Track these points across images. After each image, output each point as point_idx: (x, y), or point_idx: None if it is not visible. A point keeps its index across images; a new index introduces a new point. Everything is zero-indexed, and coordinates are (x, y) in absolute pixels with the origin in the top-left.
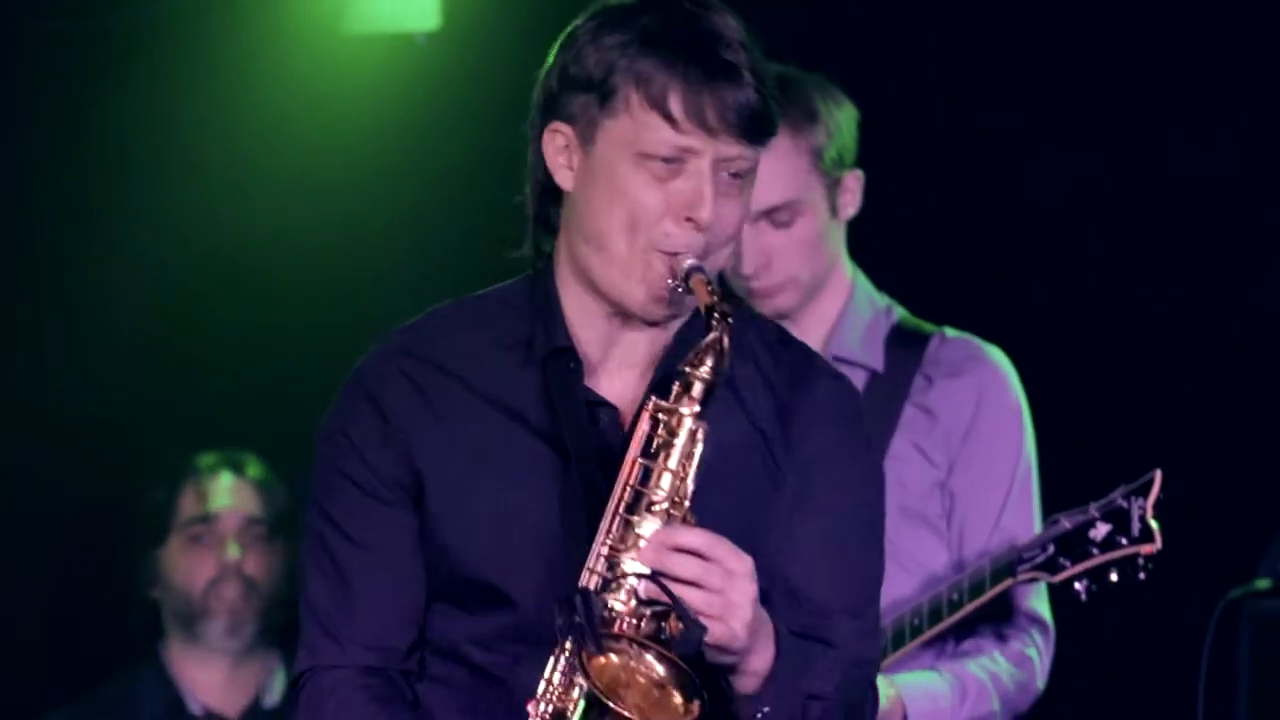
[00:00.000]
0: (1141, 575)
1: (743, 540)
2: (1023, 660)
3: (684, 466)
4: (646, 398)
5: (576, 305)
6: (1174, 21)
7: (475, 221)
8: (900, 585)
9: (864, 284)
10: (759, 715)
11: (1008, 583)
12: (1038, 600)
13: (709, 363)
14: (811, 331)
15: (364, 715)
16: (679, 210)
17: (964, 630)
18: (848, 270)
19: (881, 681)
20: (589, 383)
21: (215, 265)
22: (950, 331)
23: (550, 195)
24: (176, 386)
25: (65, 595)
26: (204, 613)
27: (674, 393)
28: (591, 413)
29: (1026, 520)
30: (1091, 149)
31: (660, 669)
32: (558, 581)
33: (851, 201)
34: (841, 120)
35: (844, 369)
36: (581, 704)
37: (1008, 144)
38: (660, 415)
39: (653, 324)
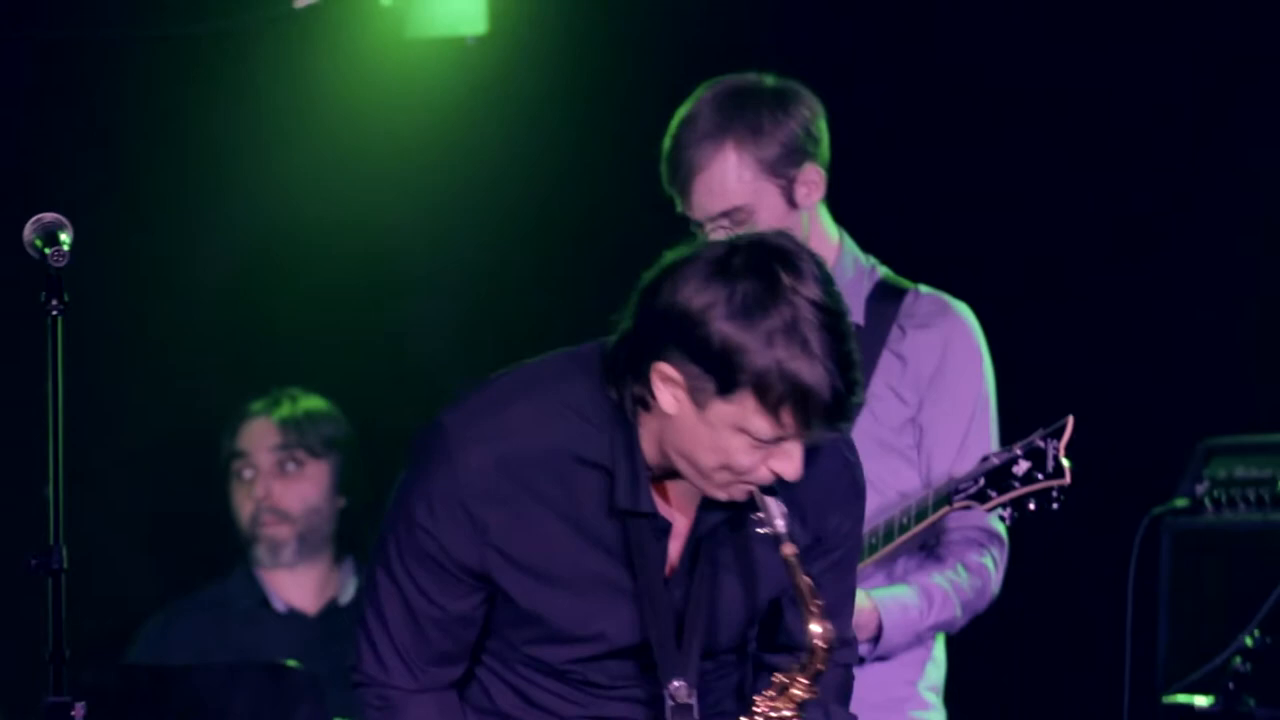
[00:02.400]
0: (1054, 506)
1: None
2: (980, 569)
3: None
4: (700, 528)
5: (650, 450)
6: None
7: (516, 204)
8: (872, 507)
9: (850, 246)
10: None
11: (945, 510)
12: (992, 518)
13: (805, 677)
14: None
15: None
16: (773, 466)
17: (930, 545)
18: (833, 236)
19: (860, 595)
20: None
21: (290, 239)
22: (924, 288)
23: (646, 390)
24: (256, 336)
25: (179, 511)
26: (251, 541)
27: (775, 685)
28: (657, 534)
29: (984, 449)
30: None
31: None
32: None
33: (811, 191)
34: (792, 129)
35: None
36: None
37: (972, 132)
38: (763, 708)
39: None
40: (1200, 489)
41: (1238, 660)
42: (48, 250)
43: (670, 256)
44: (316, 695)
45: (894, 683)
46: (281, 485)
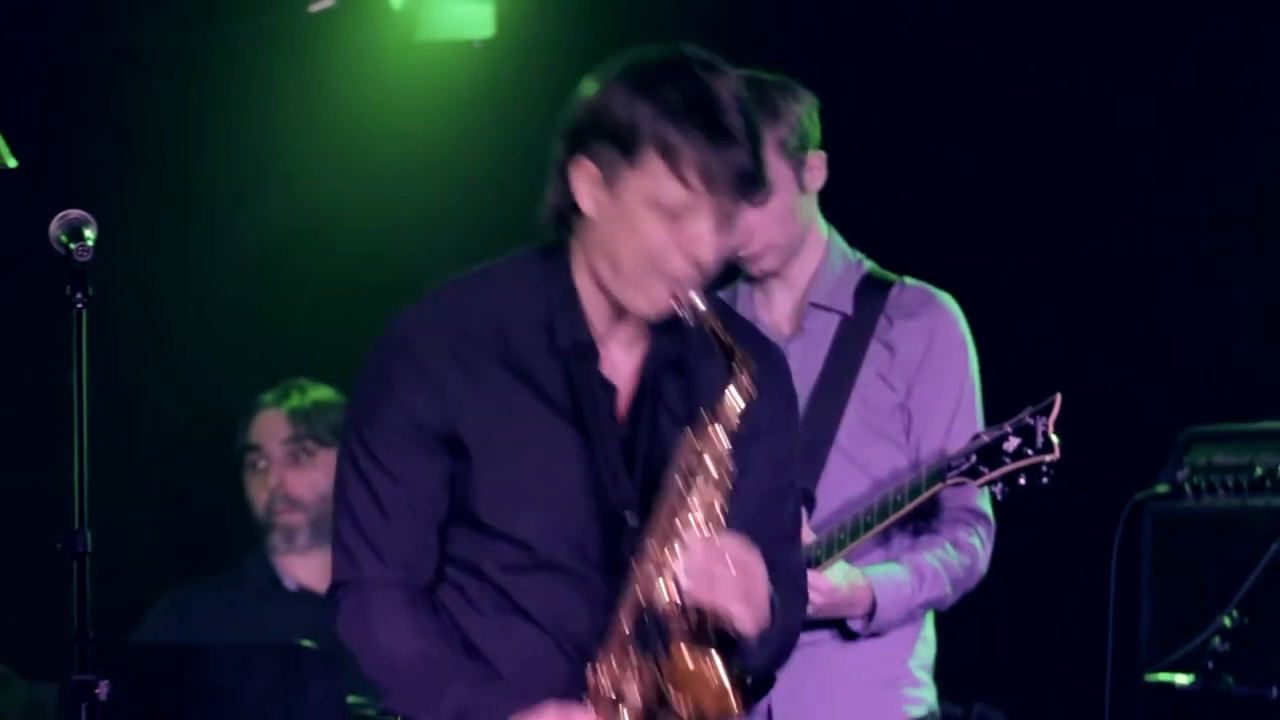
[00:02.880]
0: (1044, 480)
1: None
2: (969, 548)
3: (717, 488)
4: (644, 378)
5: (588, 298)
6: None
7: (522, 201)
8: (865, 487)
9: (838, 242)
10: (760, 658)
11: (939, 486)
12: (981, 499)
13: (733, 410)
14: (794, 284)
15: (404, 618)
16: (685, 251)
17: (921, 526)
18: (823, 232)
19: (854, 573)
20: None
21: (304, 235)
22: (909, 280)
23: (571, 207)
24: (271, 329)
25: (197, 497)
26: (266, 528)
27: (704, 421)
28: (602, 389)
29: (970, 431)
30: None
31: (719, 668)
32: (571, 530)
33: (816, 177)
34: (801, 113)
35: (820, 314)
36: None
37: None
38: (696, 443)
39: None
40: (1181, 475)
41: (1217, 640)
42: (73, 246)
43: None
44: (331, 673)
45: (887, 661)
46: (294, 474)
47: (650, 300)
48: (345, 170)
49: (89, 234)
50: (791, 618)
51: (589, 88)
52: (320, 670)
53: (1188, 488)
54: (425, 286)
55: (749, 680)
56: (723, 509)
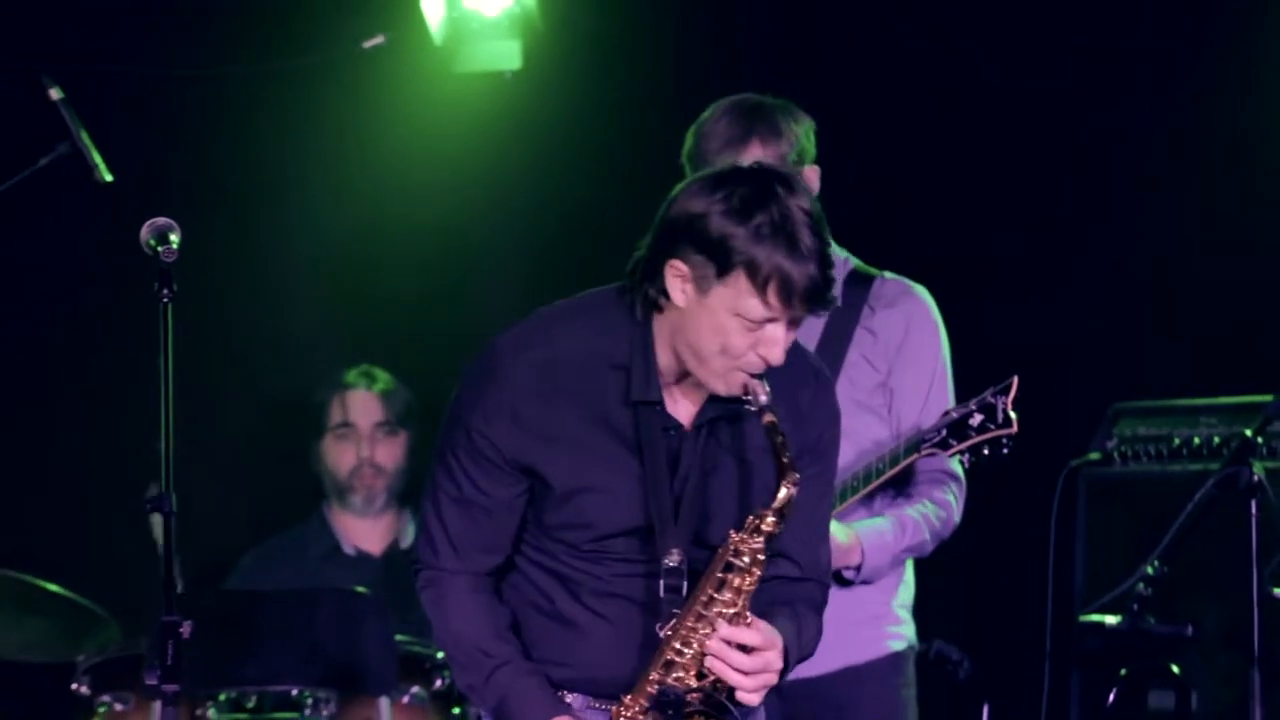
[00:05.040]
0: (1004, 450)
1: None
2: (944, 503)
3: (748, 582)
4: (700, 422)
5: (663, 357)
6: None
7: (549, 213)
8: (851, 456)
9: None
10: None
11: (915, 456)
12: (952, 462)
13: (772, 518)
14: None
15: (469, 606)
16: (760, 350)
17: (903, 486)
18: None
19: (843, 529)
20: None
21: (355, 245)
22: (889, 274)
23: (661, 292)
24: (324, 323)
25: (261, 466)
26: (349, 489)
27: (748, 526)
28: (665, 430)
29: (942, 404)
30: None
31: None
32: (625, 551)
33: (811, 188)
34: (800, 132)
35: None
36: None
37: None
38: (739, 545)
39: None
40: (1110, 445)
41: (1141, 586)
42: (159, 248)
43: (679, 185)
44: (381, 615)
45: (872, 601)
46: (380, 447)
47: (725, 385)
48: (392, 186)
49: (174, 238)
50: (810, 643)
51: (683, 191)
52: (373, 612)
53: (1116, 456)
54: (463, 290)
55: None
56: (750, 596)
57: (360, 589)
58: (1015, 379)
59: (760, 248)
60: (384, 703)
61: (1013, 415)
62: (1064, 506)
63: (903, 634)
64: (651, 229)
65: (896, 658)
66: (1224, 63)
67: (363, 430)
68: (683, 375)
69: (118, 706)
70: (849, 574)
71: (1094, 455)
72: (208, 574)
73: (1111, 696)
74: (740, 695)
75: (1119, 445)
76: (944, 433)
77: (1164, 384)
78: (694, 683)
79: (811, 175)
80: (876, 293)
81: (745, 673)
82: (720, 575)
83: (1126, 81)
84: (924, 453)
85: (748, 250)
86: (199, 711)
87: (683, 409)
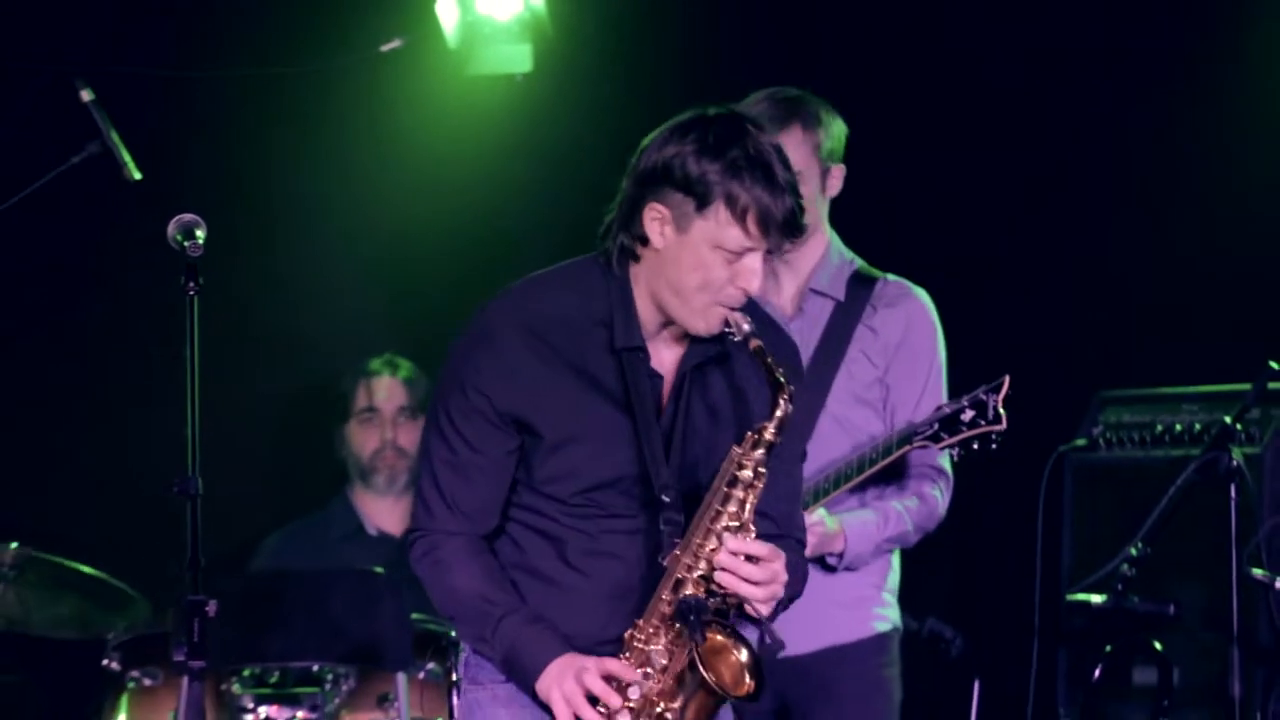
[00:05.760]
0: (993, 446)
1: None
2: (930, 498)
3: (751, 496)
4: (683, 369)
5: (644, 309)
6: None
7: (557, 209)
8: (846, 447)
9: (836, 242)
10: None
11: (907, 448)
12: (942, 458)
13: (773, 429)
14: (799, 272)
15: (468, 564)
16: (738, 282)
17: (893, 479)
18: (827, 232)
19: (830, 518)
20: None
21: (372, 238)
22: (891, 276)
23: (638, 238)
24: (343, 313)
25: (281, 452)
26: (373, 471)
27: (748, 441)
28: (649, 379)
29: (936, 402)
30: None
31: (744, 652)
32: (620, 501)
33: (834, 185)
34: (835, 129)
35: (817, 299)
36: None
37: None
38: (742, 459)
39: None
40: (1096, 431)
41: (1125, 566)
42: (186, 243)
43: (645, 139)
44: (397, 594)
45: (860, 585)
46: (403, 430)
47: (706, 322)
48: (408, 182)
49: (199, 233)
50: (799, 582)
51: (655, 139)
52: (390, 591)
53: (1101, 442)
54: (476, 282)
55: (762, 664)
56: (754, 510)
57: (378, 569)
58: (1006, 378)
59: (737, 180)
60: (401, 678)
61: (1002, 412)
62: (1052, 490)
63: (887, 616)
64: (624, 184)
65: (881, 638)
66: (1208, 60)
67: (386, 414)
68: (663, 326)
69: (146, 681)
70: (832, 560)
71: (1080, 441)
72: (233, 556)
73: (1097, 672)
74: (752, 605)
75: (1104, 432)
76: (936, 427)
77: (1148, 373)
78: (704, 594)
79: (838, 174)
80: (879, 293)
81: (755, 583)
82: (725, 490)
83: (1110, 78)
84: (915, 445)
85: (725, 183)
86: (224, 686)
87: (664, 359)
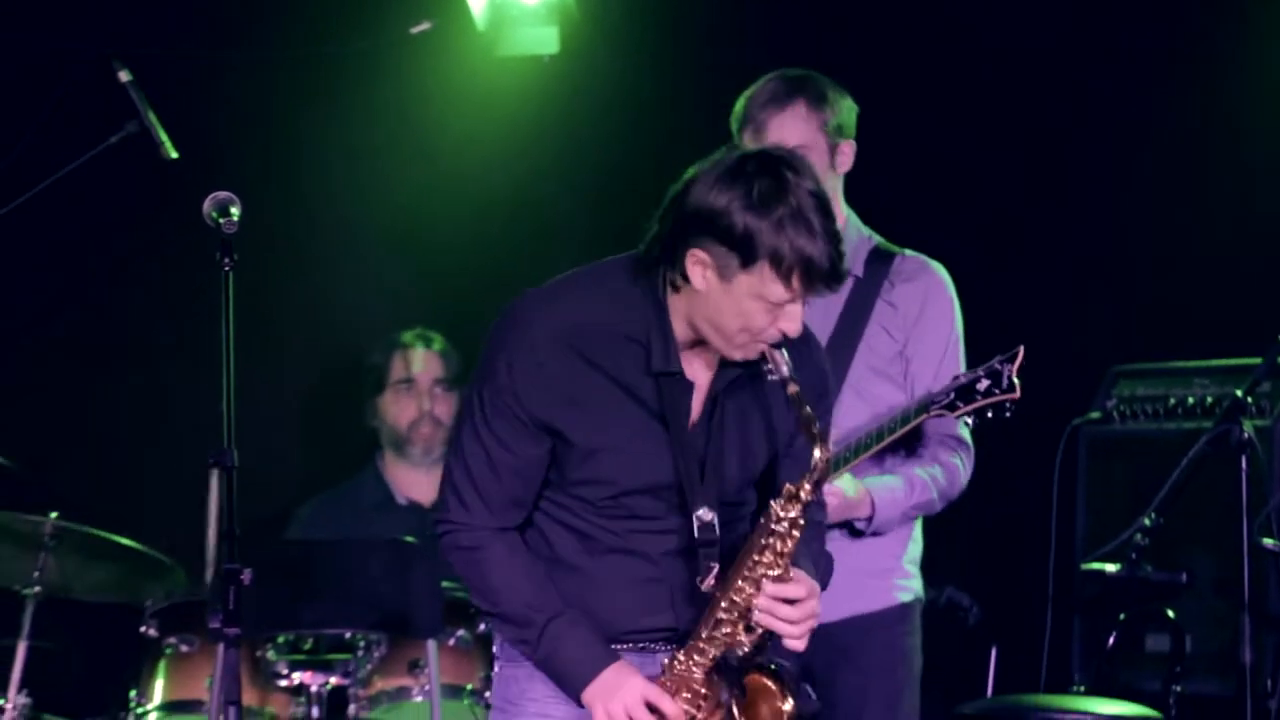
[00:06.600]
0: (1007, 414)
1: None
2: (952, 466)
3: (788, 545)
4: (717, 385)
5: (679, 329)
6: None
7: (585, 188)
8: (866, 418)
9: (853, 219)
10: None
11: (923, 417)
12: (962, 428)
13: (810, 485)
14: None
15: (508, 562)
16: (780, 325)
17: (915, 449)
18: (843, 208)
19: (855, 483)
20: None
21: (402, 215)
22: (909, 252)
23: (680, 274)
24: (374, 289)
25: (317, 424)
26: (408, 441)
27: (787, 494)
28: (684, 394)
29: (955, 372)
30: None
31: (787, 702)
32: (653, 507)
33: (845, 161)
34: (843, 106)
35: None
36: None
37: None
38: (779, 513)
39: None
40: (1110, 405)
41: (1138, 536)
42: (221, 220)
43: (692, 170)
44: (428, 563)
45: (882, 556)
46: (439, 402)
47: (744, 354)
48: (437, 162)
49: (234, 211)
50: (825, 558)
51: (703, 182)
52: (421, 560)
53: (1115, 415)
54: (503, 260)
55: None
56: (791, 557)
57: (409, 538)
58: (1021, 349)
59: (782, 238)
60: (431, 645)
61: (1016, 382)
62: (1067, 463)
63: (910, 586)
64: (667, 213)
65: (903, 608)
66: (1225, 33)
67: (423, 385)
68: (696, 343)
69: (183, 648)
70: (860, 524)
71: (1095, 415)
72: (267, 525)
73: (1111, 639)
74: (788, 643)
75: (1118, 405)
76: (952, 396)
77: (1161, 348)
78: (743, 636)
79: (847, 150)
80: (897, 268)
81: (792, 622)
82: (763, 542)
83: (1130, 50)
84: (933, 414)
85: (772, 242)
86: (259, 653)
87: (698, 370)
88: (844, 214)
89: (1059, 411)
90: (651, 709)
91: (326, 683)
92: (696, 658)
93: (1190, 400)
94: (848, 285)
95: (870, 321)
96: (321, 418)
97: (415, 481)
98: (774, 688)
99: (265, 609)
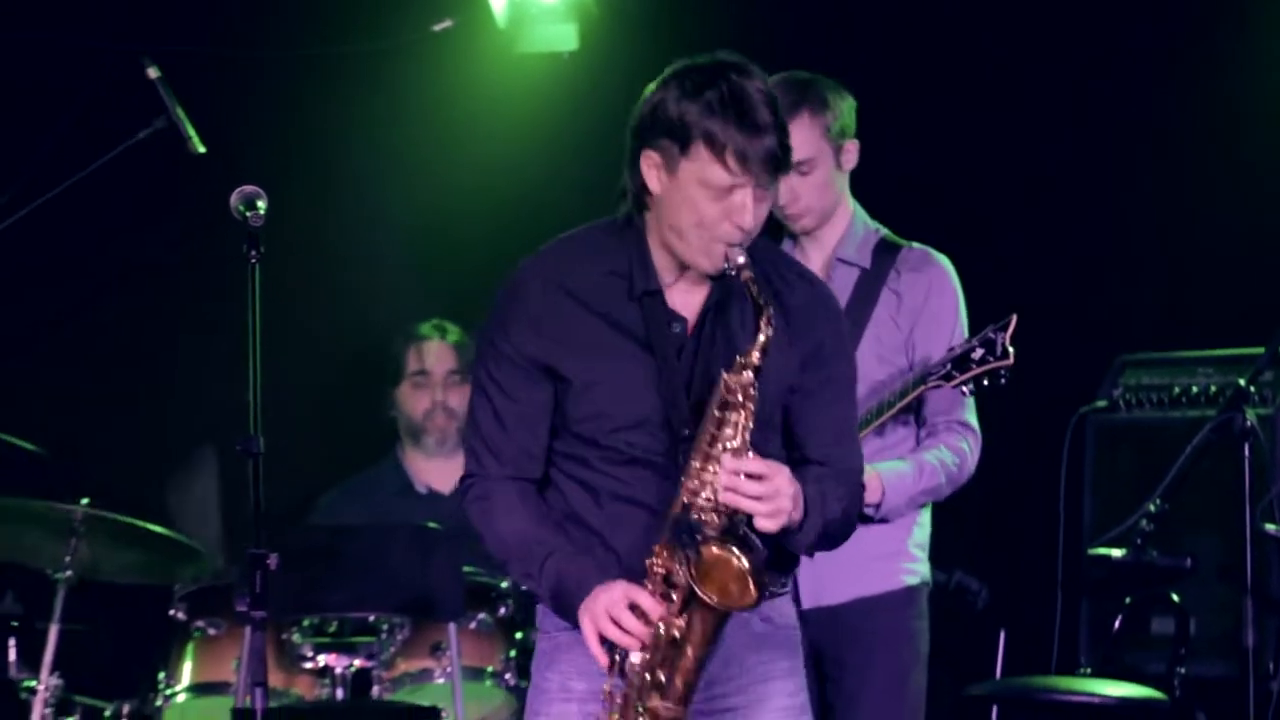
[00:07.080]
0: (1002, 381)
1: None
2: (959, 451)
3: (744, 416)
4: (704, 314)
5: (659, 257)
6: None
7: (603, 183)
8: (871, 403)
9: (861, 213)
10: (799, 544)
11: (922, 388)
12: (969, 414)
13: (757, 353)
14: (825, 244)
15: (515, 507)
16: (732, 219)
17: (922, 435)
18: (850, 203)
19: (866, 468)
20: (668, 303)
21: (425, 210)
22: (915, 244)
23: (642, 188)
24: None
25: (335, 414)
26: (423, 431)
27: (736, 365)
28: (669, 322)
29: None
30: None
31: (739, 560)
32: (646, 440)
33: (850, 160)
34: (844, 108)
35: (844, 268)
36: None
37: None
38: (730, 383)
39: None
40: (1116, 393)
41: (1144, 522)
42: (248, 214)
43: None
44: (450, 548)
45: (891, 539)
46: (453, 392)
47: (708, 259)
48: (459, 158)
49: (261, 204)
50: (835, 506)
51: (649, 91)
52: (443, 546)
53: (1121, 403)
54: (522, 255)
55: (764, 572)
56: (749, 430)
57: (432, 524)
58: (1014, 317)
59: (714, 119)
60: (452, 628)
61: (1010, 349)
62: (1074, 450)
63: (917, 570)
64: (628, 137)
65: (910, 591)
66: (1227, 25)
67: (437, 377)
68: (680, 271)
69: (211, 631)
70: (869, 510)
71: (1101, 403)
72: (292, 510)
73: (1117, 622)
74: (758, 522)
75: (1124, 394)
76: (949, 366)
77: (1166, 337)
78: (715, 518)
79: (851, 149)
80: (903, 259)
81: (758, 498)
82: (718, 414)
83: (1132, 38)
84: (930, 385)
85: (703, 122)
86: (285, 636)
87: (688, 301)
88: (850, 209)
89: (1067, 400)
90: (632, 607)
91: (351, 665)
92: (669, 550)
93: (1194, 389)
94: (854, 277)
95: (876, 311)
96: (344, 408)
97: (433, 470)
98: (725, 554)
99: (291, 593)
